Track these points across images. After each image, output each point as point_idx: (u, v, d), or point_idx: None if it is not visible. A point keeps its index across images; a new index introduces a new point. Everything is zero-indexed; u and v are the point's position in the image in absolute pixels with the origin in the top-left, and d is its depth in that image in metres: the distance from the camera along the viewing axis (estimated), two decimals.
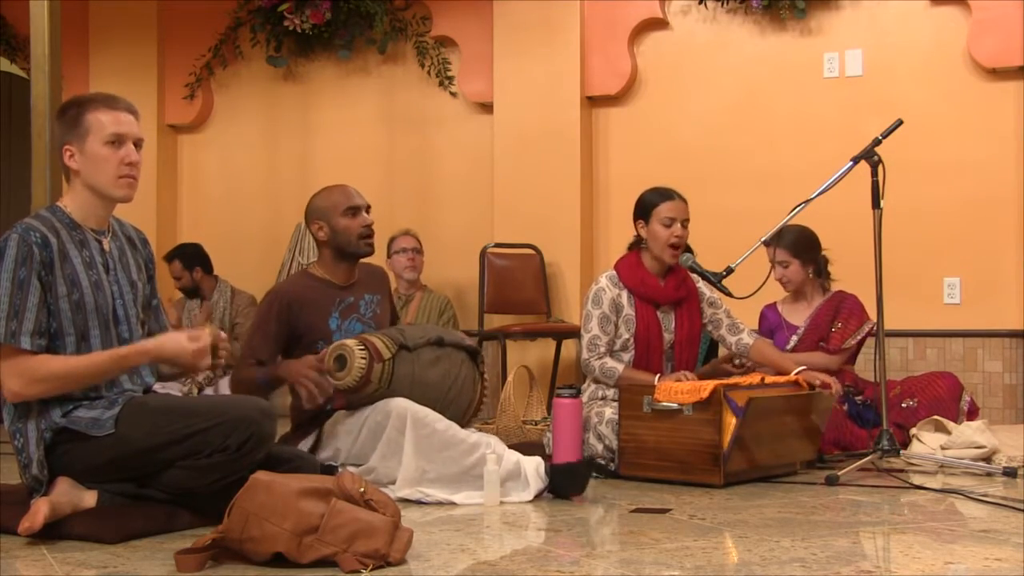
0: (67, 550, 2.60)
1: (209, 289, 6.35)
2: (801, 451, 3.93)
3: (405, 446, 3.30)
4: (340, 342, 3.41)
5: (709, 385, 3.64)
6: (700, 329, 4.19)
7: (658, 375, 3.91)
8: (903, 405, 4.40)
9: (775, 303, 4.73)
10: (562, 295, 6.10)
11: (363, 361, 3.35)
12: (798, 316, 4.67)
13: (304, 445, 3.52)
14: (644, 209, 4.08)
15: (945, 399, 4.40)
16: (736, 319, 4.24)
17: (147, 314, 3.06)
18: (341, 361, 3.37)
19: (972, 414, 4.42)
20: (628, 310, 4.04)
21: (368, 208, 3.73)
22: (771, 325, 4.69)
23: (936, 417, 4.23)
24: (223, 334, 2.94)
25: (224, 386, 5.47)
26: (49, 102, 4.03)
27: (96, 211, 2.93)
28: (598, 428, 3.88)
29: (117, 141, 2.88)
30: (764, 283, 3.95)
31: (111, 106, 2.90)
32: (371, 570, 2.33)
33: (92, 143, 2.86)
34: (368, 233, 3.68)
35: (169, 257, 6.36)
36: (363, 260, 3.80)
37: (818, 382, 3.96)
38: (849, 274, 4.71)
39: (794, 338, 4.62)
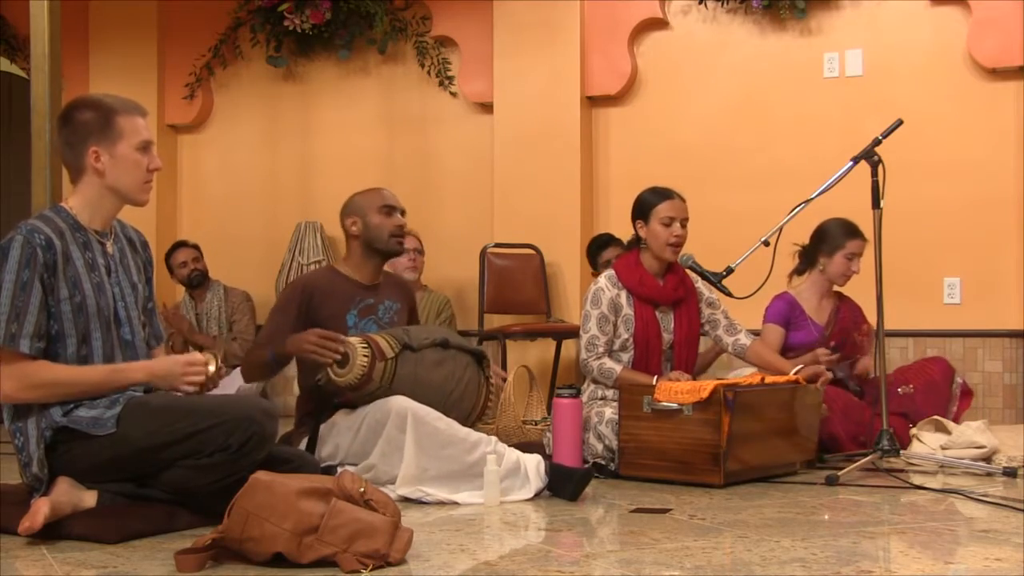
0: (67, 550, 2.59)
1: (204, 289, 6.36)
2: (796, 448, 3.92)
3: (406, 444, 3.30)
4: (343, 339, 3.42)
5: (709, 385, 3.64)
6: (699, 329, 4.19)
7: (656, 376, 3.91)
8: (900, 391, 4.42)
9: (787, 293, 4.67)
10: (562, 295, 6.10)
11: (365, 359, 3.35)
12: (818, 315, 4.64)
13: (300, 443, 3.52)
14: (643, 209, 4.08)
15: (939, 383, 4.47)
16: (734, 320, 4.24)
17: (143, 316, 3.05)
18: (343, 358, 3.37)
19: (966, 396, 4.50)
20: (627, 310, 4.04)
21: (403, 212, 3.84)
22: (787, 316, 4.61)
23: (936, 417, 4.24)
24: (222, 369, 2.98)
25: (225, 386, 5.46)
26: (49, 102, 4.02)
27: (105, 213, 2.94)
28: (598, 428, 3.88)
29: (146, 147, 2.93)
30: (764, 283, 3.94)
31: (139, 112, 2.96)
32: (371, 570, 2.33)
33: (125, 147, 2.89)
34: (400, 233, 3.79)
35: (182, 243, 6.38)
36: (392, 272, 3.85)
37: (819, 380, 3.99)
38: None
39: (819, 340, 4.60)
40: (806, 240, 4.68)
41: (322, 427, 3.57)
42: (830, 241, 4.60)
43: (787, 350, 4.54)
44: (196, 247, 6.43)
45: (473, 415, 3.63)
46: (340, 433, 3.49)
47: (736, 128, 5.89)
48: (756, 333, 4.32)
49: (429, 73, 6.53)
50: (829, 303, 4.68)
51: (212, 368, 2.89)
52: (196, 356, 2.92)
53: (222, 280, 6.44)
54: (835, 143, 5.28)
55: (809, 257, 4.68)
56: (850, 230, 4.59)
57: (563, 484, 3.35)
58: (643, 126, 6.09)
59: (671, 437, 3.66)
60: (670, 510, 3.17)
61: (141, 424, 2.76)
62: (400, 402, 3.35)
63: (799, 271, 4.72)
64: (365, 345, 3.38)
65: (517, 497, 3.31)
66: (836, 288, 4.71)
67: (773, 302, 4.63)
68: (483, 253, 5.94)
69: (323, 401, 3.57)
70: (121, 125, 2.89)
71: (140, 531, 2.72)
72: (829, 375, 4.12)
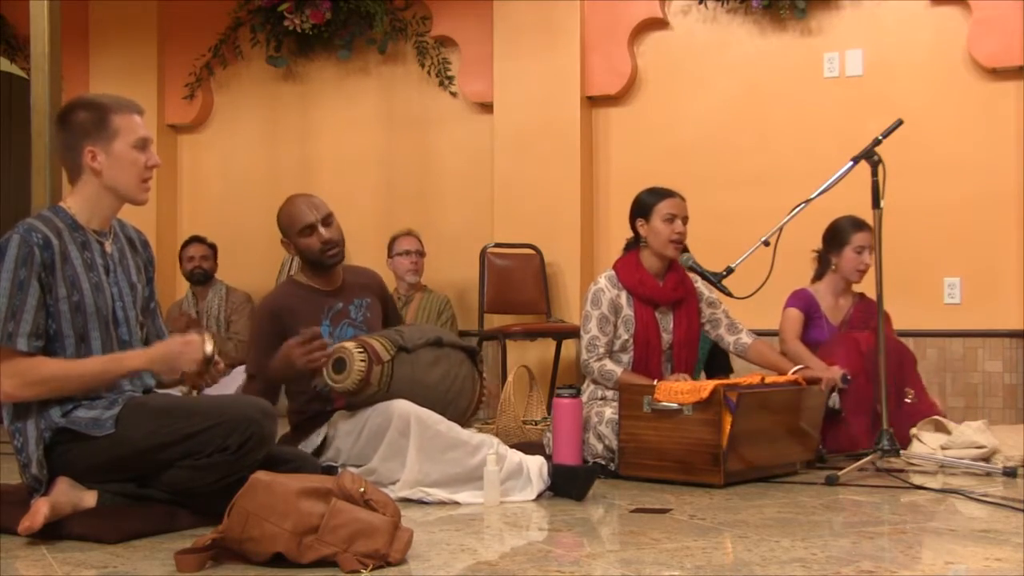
0: (67, 550, 2.59)
1: (206, 288, 6.37)
2: (798, 449, 3.93)
3: (409, 449, 3.29)
4: (339, 345, 3.40)
5: (709, 385, 3.64)
6: (699, 330, 4.19)
7: (656, 381, 3.89)
8: (908, 400, 4.41)
9: (805, 289, 4.70)
10: (562, 295, 6.10)
11: (362, 364, 3.34)
12: (833, 314, 4.67)
13: (307, 447, 3.51)
14: (644, 208, 4.08)
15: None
16: (735, 319, 4.25)
17: (145, 316, 3.05)
18: (340, 364, 3.36)
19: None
20: (627, 311, 4.04)
21: (327, 218, 3.64)
22: (807, 307, 4.64)
23: (936, 417, 4.24)
24: (220, 363, 2.93)
25: (225, 385, 5.46)
26: (49, 102, 4.03)
27: (104, 212, 2.94)
28: (598, 428, 3.88)
29: (143, 145, 2.91)
30: (764, 283, 3.94)
31: (135, 110, 2.94)
32: (371, 570, 2.33)
33: (121, 146, 2.88)
34: (330, 246, 3.63)
35: (198, 239, 6.39)
36: (354, 264, 3.80)
37: (820, 380, 4.00)
38: None
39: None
40: (815, 243, 4.72)
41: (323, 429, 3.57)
42: (838, 237, 4.65)
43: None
44: (212, 246, 6.44)
45: (468, 412, 3.63)
46: (341, 436, 3.48)
47: (736, 128, 5.89)
48: (757, 333, 4.32)
49: (429, 73, 6.53)
50: (847, 302, 4.71)
51: (209, 348, 2.83)
52: (191, 335, 2.87)
53: (224, 280, 6.45)
54: (835, 143, 5.28)
55: (824, 259, 4.71)
56: (856, 224, 4.62)
57: (568, 484, 3.34)
58: (643, 126, 6.09)
59: (671, 437, 3.66)
60: (670, 510, 3.17)
61: (140, 425, 2.76)
62: (402, 406, 3.34)
63: (819, 275, 4.75)
64: (361, 350, 3.36)
65: (519, 498, 3.30)
66: (856, 288, 4.72)
67: (793, 293, 4.67)
68: (483, 253, 5.94)
69: (321, 403, 3.57)
70: (116, 123, 2.88)
71: (140, 531, 2.72)
72: (833, 372, 4.14)
